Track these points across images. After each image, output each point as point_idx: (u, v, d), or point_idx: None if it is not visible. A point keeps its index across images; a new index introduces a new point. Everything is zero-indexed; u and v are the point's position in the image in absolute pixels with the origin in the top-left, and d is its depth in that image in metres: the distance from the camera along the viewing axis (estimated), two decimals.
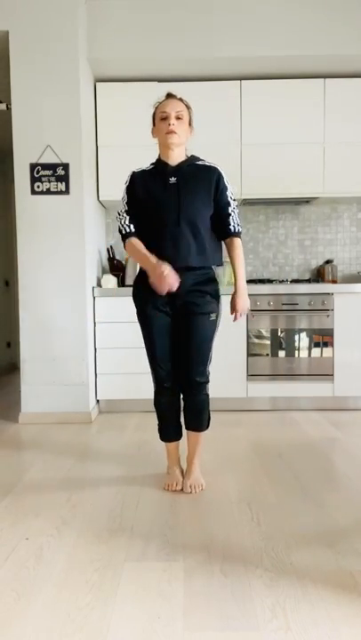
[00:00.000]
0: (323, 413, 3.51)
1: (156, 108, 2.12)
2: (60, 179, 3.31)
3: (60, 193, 3.31)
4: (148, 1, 3.46)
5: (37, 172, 3.30)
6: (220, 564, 1.58)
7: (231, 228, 2.13)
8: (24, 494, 2.16)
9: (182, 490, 2.18)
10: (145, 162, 2.21)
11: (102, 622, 1.31)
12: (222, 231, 2.14)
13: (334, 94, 3.72)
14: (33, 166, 3.30)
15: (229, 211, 2.12)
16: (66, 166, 3.30)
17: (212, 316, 2.11)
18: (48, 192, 3.31)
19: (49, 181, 3.31)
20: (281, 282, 3.86)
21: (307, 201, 3.99)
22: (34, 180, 3.31)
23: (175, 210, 2.03)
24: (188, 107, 2.13)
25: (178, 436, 2.26)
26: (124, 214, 2.15)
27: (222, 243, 2.19)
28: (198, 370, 2.12)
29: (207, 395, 2.19)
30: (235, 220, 2.14)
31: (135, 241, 2.11)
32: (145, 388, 3.46)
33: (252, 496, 2.10)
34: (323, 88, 3.72)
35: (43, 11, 3.24)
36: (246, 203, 3.96)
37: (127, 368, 3.54)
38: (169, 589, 1.45)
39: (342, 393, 3.58)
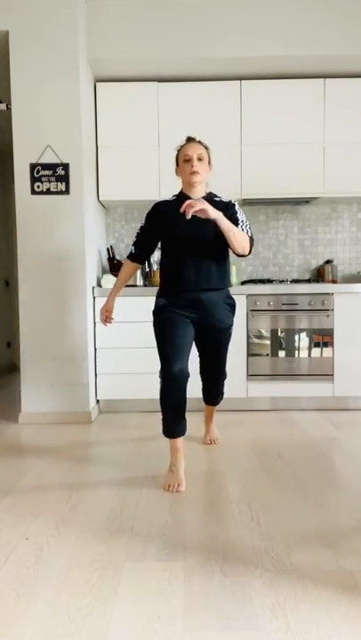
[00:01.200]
0: (323, 413, 3.51)
1: (179, 150, 2.38)
2: (60, 179, 3.31)
3: (60, 193, 3.31)
4: (148, 1, 3.46)
5: (37, 172, 3.30)
6: (220, 564, 1.58)
7: (240, 229, 2.32)
8: (24, 494, 2.16)
9: (204, 442, 2.77)
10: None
11: (102, 622, 1.31)
12: None
13: (334, 94, 3.72)
14: (33, 166, 3.30)
15: (238, 224, 2.33)
16: (66, 166, 3.30)
17: (231, 329, 2.48)
18: (48, 192, 3.31)
19: (49, 181, 3.31)
20: (281, 282, 3.86)
21: (307, 201, 3.99)
22: (34, 180, 3.31)
23: (198, 239, 2.29)
24: (206, 148, 2.37)
25: (183, 431, 2.29)
26: (136, 237, 2.49)
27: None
28: (221, 370, 2.61)
29: (224, 383, 2.70)
30: (244, 228, 2.34)
31: (127, 267, 2.53)
32: (145, 388, 3.47)
33: (252, 496, 2.10)
34: (323, 88, 3.72)
35: (43, 11, 3.25)
36: (246, 203, 3.96)
37: (127, 368, 3.54)
38: (169, 589, 1.45)
39: (342, 393, 3.58)
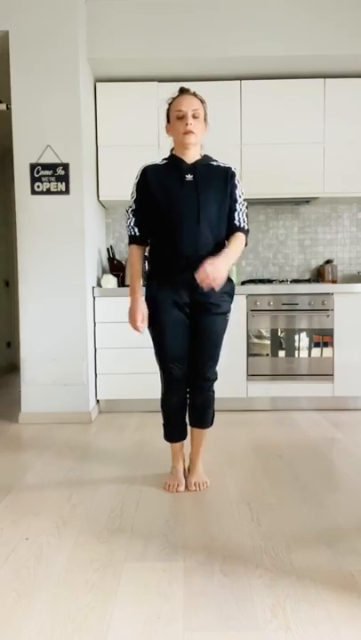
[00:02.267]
0: (323, 413, 3.51)
1: (170, 104, 2.09)
2: (60, 179, 3.31)
3: (60, 193, 3.31)
4: (148, 1, 3.46)
5: (37, 172, 3.30)
6: (220, 564, 1.58)
7: (236, 222, 2.09)
8: (24, 494, 2.16)
9: (187, 488, 2.19)
10: (144, 161, 2.21)
11: (102, 622, 1.31)
12: (228, 227, 2.10)
13: (334, 94, 3.72)
14: (33, 166, 3.30)
15: (236, 206, 2.09)
16: (66, 166, 3.30)
17: (228, 316, 2.15)
18: (48, 192, 3.31)
19: (49, 181, 3.31)
20: (281, 282, 3.86)
21: (307, 201, 3.99)
22: (34, 179, 3.31)
23: (194, 207, 2.01)
24: (202, 101, 2.09)
25: (183, 437, 2.26)
26: (131, 214, 2.13)
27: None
28: (210, 366, 2.13)
29: (213, 392, 2.20)
30: (240, 216, 2.10)
31: (135, 253, 2.15)
32: (145, 388, 3.47)
33: (252, 496, 2.10)
34: (323, 88, 3.72)
35: (43, 11, 3.25)
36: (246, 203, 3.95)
37: (127, 368, 3.54)
38: (169, 589, 1.45)
39: (342, 393, 3.58)
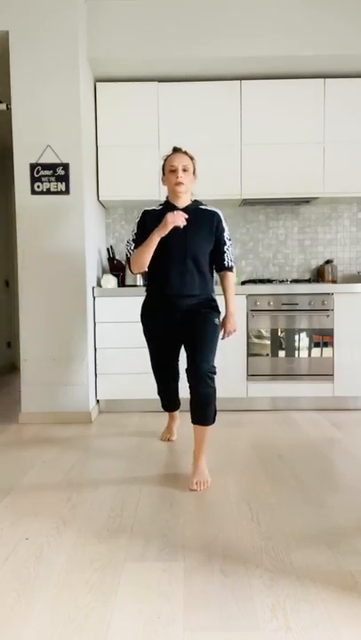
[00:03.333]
0: (323, 413, 3.51)
1: (165, 160, 2.47)
2: (60, 179, 3.31)
3: (60, 193, 3.31)
4: (149, 1, 3.46)
5: (37, 172, 3.30)
6: (220, 564, 1.58)
7: (226, 263, 2.52)
8: (24, 494, 2.16)
9: (189, 487, 2.18)
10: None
11: (102, 622, 1.31)
12: (218, 264, 2.53)
13: (334, 94, 3.72)
14: (33, 166, 3.30)
15: (225, 249, 2.51)
16: (66, 166, 3.31)
17: (216, 321, 2.43)
18: (48, 192, 3.31)
19: (49, 181, 3.31)
20: (281, 282, 3.86)
21: (307, 201, 3.99)
22: (34, 180, 3.31)
23: (182, 247, 2.41)
24: (192, 158, 2.47)
25: (177, 407, 2.88)
26: (132, 243, 2.52)
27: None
28: (207, 359, 2.28)
29: (214, 388, 2.27)
30: (229, 257, 2.53)
31: (135, 251, 2.48)
32: (145, 388, 3.47)
33: (252, 496, 2.10)
34: (323, 88, 3.72)
35: (43, 11, 3.25)
36: (246, 203, 3.96)
37: (127, 368, 3.54)
38: (169, 589, 1.45)
39: (342, 393, 3.58)
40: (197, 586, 1.46)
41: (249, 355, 3.58)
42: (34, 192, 3.31)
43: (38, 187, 3.31)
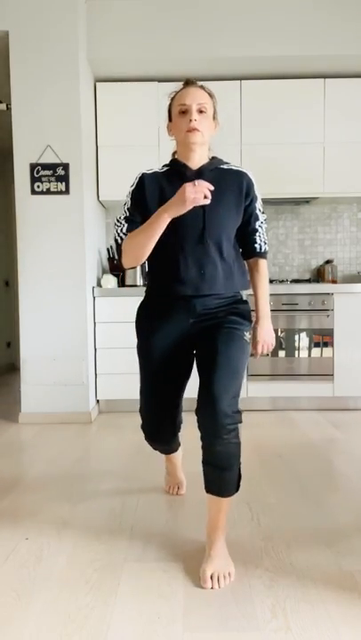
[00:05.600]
0: (323, 413, 3.51)
1: (173, 99, 1.73)
2: (60, 179, 3.31)
3: (60, 193, 3.31)
4: (148, 1, 3.46)
5: (37, 172, 3.30)
6: None
7: (257, 246, 1.75)
8: (24, 494, 2.16)
9: (205, 578, 1.49)
10: (144, 161, 2.19)
11: (102, 622, 1.31)
12: (245, 249, 1.77)
13: (334, 94, 3.72)
14: (33, 166, 3.30)
15: (257, 225, 1.75)
16: (66, 166, 3.30)
17: (246, 336, 1.67)
18: (48, 192, 3.31)
19: (49, 181, 3.31)
20: (281, 282, 3.86)
21: (307, 201, 3.99)
22: (34, 180, 3.31)
23: (199, 224, 1.63)
24: (211, 95, 1.71)
25: (174, 450, 2.04)
26: (123, 222, 1.71)
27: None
28: (227, 401, 1.49)
29: (239, 443, 1.54)
30: (262, 238, 1.76)
31: (129, 235, 1.67)
32: None
33: (252, 496, 2.10)
34: (323, 88, 3.72)
35: (43, 11, 3.24)
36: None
37: (127, 368, 3.53)
38: (169, 590, 1.45)
39: (342, 393, 3.58)
40: (197, 586, 1.46)
41: (249, 355, 3.57)
42: (34, 192, 3.31)
43: (38, 187, 3.31)
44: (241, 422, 1.53)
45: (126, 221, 1.71)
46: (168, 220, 1.55)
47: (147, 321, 1.79)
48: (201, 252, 1.64)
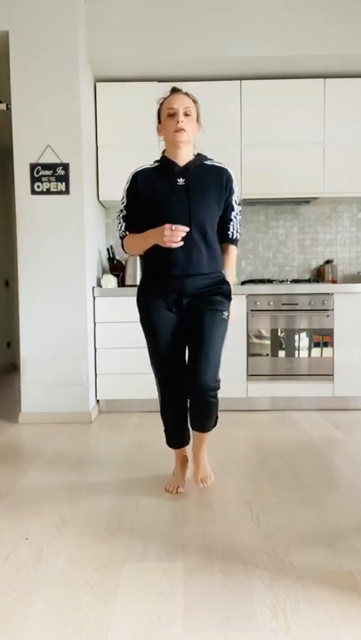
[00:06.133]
0: (323, 413, 3.51)
1: (161, 104, 2.01)
2: (60, 179, 3.31)
3: (60, 193, 3.31)
4: (148, 1, 3.46)
5: (37, 172, 3.30)
6: (220, 564, 1.58)
7: (230, 233, 2.09)
8: (24, 494, 2.16)
9: (196, 480, 2.17)
10: (145, 162, 2.19)
11: (102, 622, 1.30)
12: (220, 235, 2.08)
13: (334, 94, 3.72)
14: (33, 166, 3.30)
15: (232, 216, 2.07)
16: (66, 166, 3.30)
17: (225, 315, 2.01)
18: (48, 192, 3.31)
19: (49, 181, 3.31)
20: (281, 282, 3.86)
21: (307, 201, 3.99)
22: (34, 180, 3.31)
23: (186, 213, 1.94)
24: (195, 101, 2.02)
25: (185, 442, 2.20)
26: (122, 220, 2.07)
27: None
28: (209, 374, 1.95)
29: (217, 399, 2.03)
30: (235, 227, 2.09)
31: (130, 235, 2.06)
32: (145, 387, 3.46)
33: (252, 496, 2.10)
34: (323, 88, 3.72)
35: (43, 11, 3.24)
36: (246, 203, 3.95)
37: (127, 368, 3.54)
38: (169, 589, 1.45)
39: (342, 393, 3.58)
40: (197, 586, 1.46)
41: (249, 355, 3.58)
42: (34, 192, 3.31)
43: (38, 187, 3.31)
44: (218, 388, 1.99)
45: (124, 219, 2.07)
46: (153, 243, 1.95)
47: (147, 297, 2.08)
48: (187, 238, 1.92)
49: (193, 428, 2.11)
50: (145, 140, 3.72)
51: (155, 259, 2.02)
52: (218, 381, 1.99)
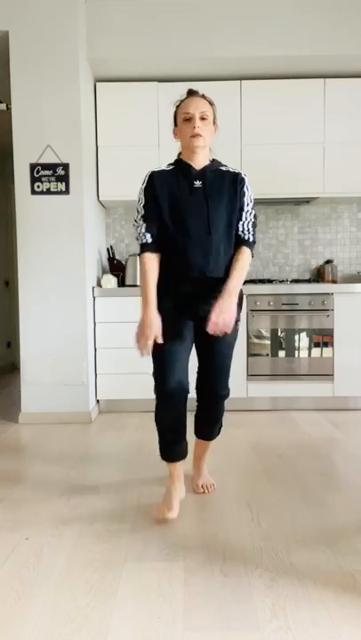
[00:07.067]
0: (323, 413, 3.51)
1: (178, 107, 1.97)
2: (60, 179, 3.31)
3: (60, 193, 3.31)
4: (148, 1, 3.46)
5: (37, 172, 3.30)
6: (220, 564, 1.58)
7: (240, 233, 1.97)
8: (24, 494, 2.16)
9: (194, 490, 2.16)
10: (144, 161, 2.20)
11: (102, 622, 1.31)
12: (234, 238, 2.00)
13: (334, 94, 3.72)
14: (33, 166, 3.30)
15: (242, 215, 1.98)
16: (66, 166, 3.30)
17: (238, 326, 1.99)
18: (48, 192, 3.31)
19: (49, 181, 3.31)
20: (281, 282, 3.86)
21: (307, 201, 3.99)
22: (34, 180, 3.31)
23: (204, 216, 1.90)
24: (211, 104, 1.96)
25: (184, 455, 2.01)
26: (141, 221, 1.97)
27: None
28: (222, 382, 2.01)
29: (224, 406, 2.10)
30: (246, 226, 1.98)
31: (149, 261, 1.94)
32: (145, 388, 3.45)
33: (252, 496, 2.10)
34: (323, 88, 3.72)
35: (43, 11, 3.25)
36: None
37: (127, 368, 3.54)
38: (169, 589, 1.45)
39: (342, 393, 3.58)
40: (197, 586, 1.46)
41: (249, 355, 3.58)
42: (34, 192, 3.31)
43: (38, 187, 3.31)
44: (228, 395, 2.03)
45: (144, 220, 1.96)
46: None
47: (162, 300, 1.94)
48: (206, 244, 1.90)
49: (198, 437, 2.14)
50: (145, 140, 3.73)
51: (170, 263, 1.95)
52: (229, 390, 2.04)
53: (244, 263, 1.96)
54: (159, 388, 1.92)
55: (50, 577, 1.52)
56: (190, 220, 1.90)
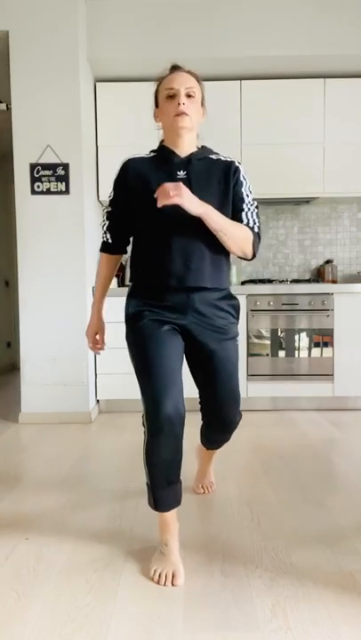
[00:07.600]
0: (323, 413, 3.51)
1: (160, 84, 1.67)
2: (60, 179, 3.31)
3: (60, 193, 3.31)
4: (148, 1, 3.46)
5: (37, 172, 3.30)
6: (220, 564, 1.58)
7: (245, 223, 1.65)
8: (24, 494, 2.16)
9: (197, 488, 2.16)
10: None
11: (102, 622, 1.31)
12: None
13: (334, 94, 3.72)
14: (33, 166, 3.30)
15: (243, 206, 1.66)
16: (66, 166, 3.30)
17: (237, 341, 1.73)
18: (48, 192, 3.31)
19: (49, 181, 3.31)
20: (281, 282, 3.86)
21: (307, 201, 3.99)
22: (34, 180, 3.31)
23: (187, 215, 1.50)
24: (198, 80, 1.66)
25: (178, 501, 1.59)
26: (105, 216, 1.73)
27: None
28: (235, 409, 1.71)
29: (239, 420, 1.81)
30: (249, 216, 1.66)
31: (105, 262, 1.78)
32: None
33: (252, 496, 2.10)
34: (323, 88, 3.72)
35: (43, 11, 3.25)
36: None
37: (127, 368, 3.50)
38: (169, 590, 1.45)
39: (342, 393, 3.58)
40: (197, 586, 1.46)
41: (249, 355, 3.58)
42: (34, 192, 3.31)
43: (38, 187, 3.31)
44: (241, 419, 1.78)
45: (108, 218, 1.74)
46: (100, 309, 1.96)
47: (134, 313, 1.69)
48: (187, 244, 1.57)
49: (208, 449, 2.02)
50: (145, 141, 3.71)
51: (145, 265, 1.63)
52: (241, 413, 1.76)
53: (242, 230, 1.62)
54: (152, 417, 1.48)
55: (50, 577, 1.52)
56: (168, 217, 1.55)
